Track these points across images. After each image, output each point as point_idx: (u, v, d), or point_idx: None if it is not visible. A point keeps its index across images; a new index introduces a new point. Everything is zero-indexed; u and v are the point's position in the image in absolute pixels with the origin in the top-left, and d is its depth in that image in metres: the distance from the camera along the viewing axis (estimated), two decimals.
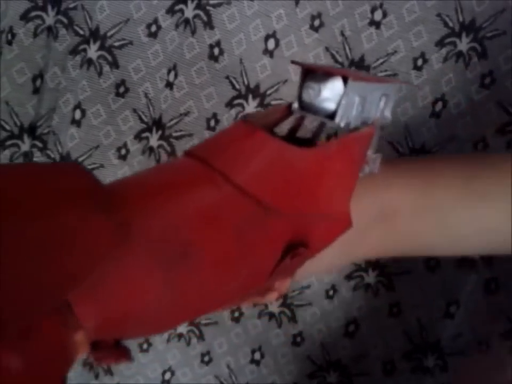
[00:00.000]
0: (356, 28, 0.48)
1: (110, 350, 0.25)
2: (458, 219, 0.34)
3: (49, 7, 0.48)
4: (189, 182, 0.26)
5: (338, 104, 0.26)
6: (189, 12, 0.48)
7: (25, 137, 0.51)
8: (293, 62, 0.28)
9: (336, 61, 0.49)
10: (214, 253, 0.25)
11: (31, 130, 0.51)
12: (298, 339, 0.55)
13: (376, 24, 0.48)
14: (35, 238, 0.18)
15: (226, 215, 0.26)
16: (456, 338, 0.54)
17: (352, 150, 0.29)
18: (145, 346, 0.55)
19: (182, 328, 0.55)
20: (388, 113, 0.29)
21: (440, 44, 0.48)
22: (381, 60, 0.48)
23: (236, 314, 0.55)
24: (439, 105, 0.50)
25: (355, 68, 0.49)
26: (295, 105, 0.28)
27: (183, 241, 0.24)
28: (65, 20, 0.48)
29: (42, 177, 0.20)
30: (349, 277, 0.54)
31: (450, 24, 0.48)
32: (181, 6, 0.48)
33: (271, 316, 0.55)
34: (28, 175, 0.20)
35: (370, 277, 0.54)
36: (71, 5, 0.48)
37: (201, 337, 0.55)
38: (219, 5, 0.48)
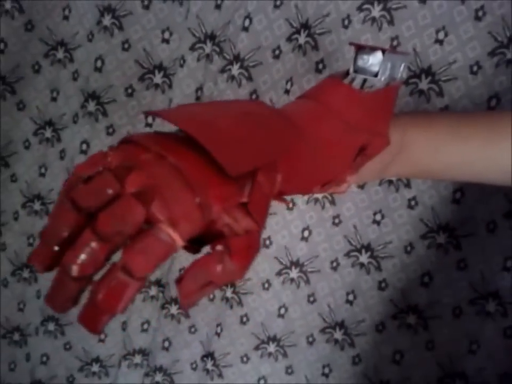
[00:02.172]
0: (424, 45, 0.65)
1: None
2: (448, 153, 0.48)
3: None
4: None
5: (379, 67, 0.43)
6: (302, 39, 0.68)
7: None
8: (351, 43, 0.46)
9: (409, 69, 0.65)
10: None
11: None
12: (383, 285, 0.71)
13: (440, 42, 0.64)
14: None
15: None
16: None
17: (393, 92, 0.46)
18: None
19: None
20: (404, 74, 0.47)
21: (492, 54, 0.63)
22: (444, 68, 0.64)
23: (334, 264, 0.73)
24: (493, 102, 0.65)
25: (424, 75, 0.65)
26: (351, 69, 0.45)
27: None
28: (217, 49, 0.70)
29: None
30: (423, 237, 0.69)
31: (500, 39, 0.63)
32: (296, 35, 0.68)
33: (362, 265, 0.72)
34: None
35: (441, 238, 0.69)
36: (222, 38, 0.70)
37: (307, 283, 0.73)
38: (323, 33, 0.67)
